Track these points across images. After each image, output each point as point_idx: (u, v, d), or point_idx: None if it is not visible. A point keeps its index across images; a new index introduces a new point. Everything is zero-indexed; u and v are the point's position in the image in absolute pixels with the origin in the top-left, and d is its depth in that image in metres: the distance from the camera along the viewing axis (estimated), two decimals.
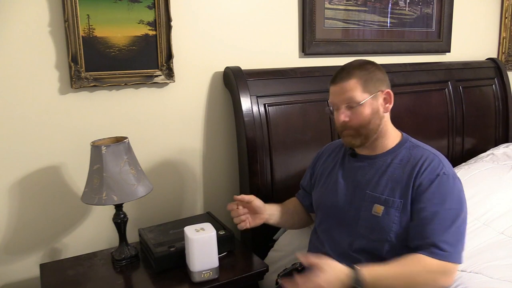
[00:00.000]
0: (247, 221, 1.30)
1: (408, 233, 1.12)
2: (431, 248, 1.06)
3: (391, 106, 1.21)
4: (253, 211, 1.31)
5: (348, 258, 1.17)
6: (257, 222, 1.33)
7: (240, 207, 1.30)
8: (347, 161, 1.29)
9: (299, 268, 1.36)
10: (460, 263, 1.09)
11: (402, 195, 1.13)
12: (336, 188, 1.27)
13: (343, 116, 1.18)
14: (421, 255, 1.07)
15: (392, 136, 1.23)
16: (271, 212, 1.36)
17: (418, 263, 1.06)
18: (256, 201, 1.31)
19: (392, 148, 1.22)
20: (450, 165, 1.17)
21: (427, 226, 1.09)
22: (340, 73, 1.19)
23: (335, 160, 1.33)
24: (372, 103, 1.17)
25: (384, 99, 1.20)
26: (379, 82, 1.19)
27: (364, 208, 1.18)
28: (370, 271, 1.05)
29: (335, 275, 1.03)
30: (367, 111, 1.16)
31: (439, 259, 1.06)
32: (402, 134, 1.26)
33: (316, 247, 1.30)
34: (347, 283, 1.03)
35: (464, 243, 1.11)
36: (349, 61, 1.23)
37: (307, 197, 1.43)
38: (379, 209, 1.14)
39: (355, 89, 1.16)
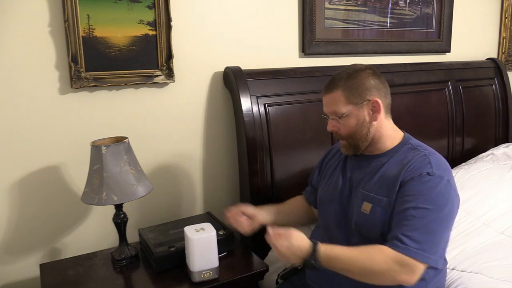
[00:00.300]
0: (248, 224, 1.35)
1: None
2: (394, 241, 1.06)
3: (379, 115, 1.19)
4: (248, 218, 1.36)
5: None
6: (254, 226, 1.37)
7: (237, 216, 1.34)
8: (349, 159, 1.30)
9: (299, 268, 1.37)
10: (427, 263, 1.05)
11: (388, 194, 1.14)
12: (336, 185, 1.28)
13: (330, 126, 1.23)
14: (383, 246, 1.06)
15: (391, 138, 1.23)
16: (264, 215, 1.39)
17: (377, 251, 1.06)
18: (247, 209, 1.36)
19: (391, 149, 1.22)
20: (445, 168, 1.15)
21: (395, 220, 1.09)
22: (327, 84, 1.22)
23: (340, 159, 1.34)
24: (357, 114, 1.18)
25: (373, 107, 1.18)
26: (366, 91, 1.17)
27: (356, 205, 1.19)
28: (327, 248, 1.10)
29: (297, 243, 1.10)
30: (352, 121, 1.19)
31: (397, 251, 1.04)
32: (404, 135, 1.25)
33: None
34: (304, 254, 1.09)
35: (437, 245, 1.07)
36: (343, 68, 1.23)
37: (314, 194, 1.44)
38: (367, 206, 1.16)
39: (339, 102, 1.18)
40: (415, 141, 1.24)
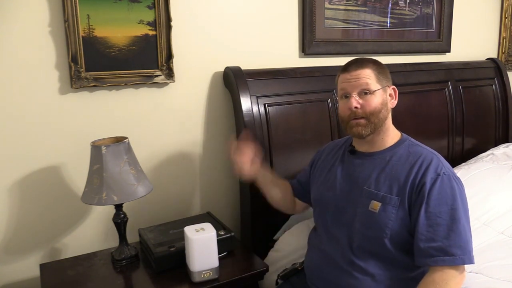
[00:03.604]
0: (249, 167, 1.36)
1: (414, 233, 1.11)
2: (443, 256, 1.06)
3: (395, 102, 1.26)
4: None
5: (350, 259, 1.18)
6: (252, 169, 1.37)
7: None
8: (346, 158, 1.30)
9: (299, 268, 1.37)
10: (472, 263, 1.08)
11: (399, 192, 1.14)
12: (334, 184, 1.28)
13: (355, 102, 1.19)
14: (436, 268, 1.07)
15: (392, 134, 1.25)
16: (264, 171, 1.42)
17: (441, 281, 1.05)
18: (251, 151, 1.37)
19: (391, 145, 1.23)
20: (449, 166, 1.18)
21: (433, 228, 1.08)
22: (354, 63, 1.23)
23: (335, 158, 1.34)
24: (382, 95, 1.22)
25: (390, 94, 1.25)
26: (388, 78, 1.25)
27: (361, 204, 1.19)
28: None
29: None
30: (379, 100, 1.20)
31: (452, 265, 1.06)
32: (401, 134, 1.28)
33: (316, 246, 1.30)
34: None
35: (471, 241, 1.11)
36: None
37: (298, 188, 1.46)
38: (376, 205, 1.15)
39: (370, 78, 1.20)
40: (413, 140, 1.26)
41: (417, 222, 1.10)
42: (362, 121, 1.20)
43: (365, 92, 1.19)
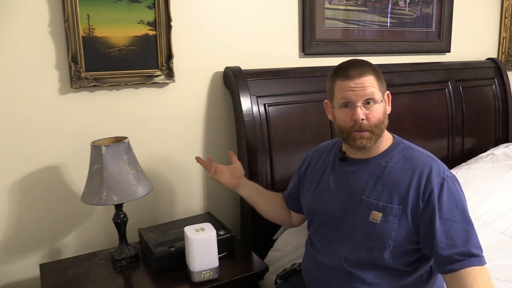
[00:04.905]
0: (214, 167, 1.42)
1: (432, 242, 1.06)
2: (468, 258, 1.02)
3: (390, 108, 1.19)
4: (231, 171, 1.43)
5: (348, 270, 1.14)
6: (227, 180, 1.42)
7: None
8: (338, 165, 1.23)
9: (298, 269, 1.37)
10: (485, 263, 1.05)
11: (401, 202, 1.10)
12: (329, 194, 1.22)
13: (362, 114, 1.10)
14: (465, 270, 1.01)
15: (385, 138, 1.19)
16: (246, 183, 1.44)
17: (477, 276, 1.01)
18: (235, 165, 1.44)
19: (385, 150, 1.18)
20: (446, 166, 1.15)
21: (451, 233, 1.04)
22: (353, 68, 1.13)
23: (325, 165, 1.28)
24: (384, 102, 1.15)
25: (385, 100, 1.17)
26: (383, 82, 1.16)
27: (361, 214, 1.13)
28: None
29: None
30: (381, 109, 1.13)
31: (479, 265, 1.02)
32: (393, 136, 1.22)
33: (311, 255, 1.27)
34: None
35: None
36: (350, 59, 1.19)
37: (291, 199, 1.43)
38: (377, 216, 1.10)
39: (374, 86, 1.12)
40: (406, 142, 1.21)
41: (434, 230, 1.05)
42: (366, 134, 1.12)
43: (368, 102, 1.11)
